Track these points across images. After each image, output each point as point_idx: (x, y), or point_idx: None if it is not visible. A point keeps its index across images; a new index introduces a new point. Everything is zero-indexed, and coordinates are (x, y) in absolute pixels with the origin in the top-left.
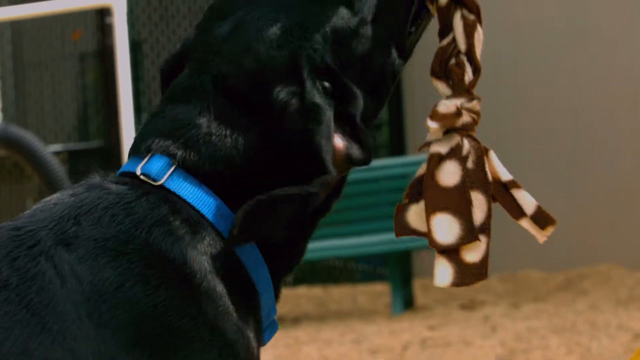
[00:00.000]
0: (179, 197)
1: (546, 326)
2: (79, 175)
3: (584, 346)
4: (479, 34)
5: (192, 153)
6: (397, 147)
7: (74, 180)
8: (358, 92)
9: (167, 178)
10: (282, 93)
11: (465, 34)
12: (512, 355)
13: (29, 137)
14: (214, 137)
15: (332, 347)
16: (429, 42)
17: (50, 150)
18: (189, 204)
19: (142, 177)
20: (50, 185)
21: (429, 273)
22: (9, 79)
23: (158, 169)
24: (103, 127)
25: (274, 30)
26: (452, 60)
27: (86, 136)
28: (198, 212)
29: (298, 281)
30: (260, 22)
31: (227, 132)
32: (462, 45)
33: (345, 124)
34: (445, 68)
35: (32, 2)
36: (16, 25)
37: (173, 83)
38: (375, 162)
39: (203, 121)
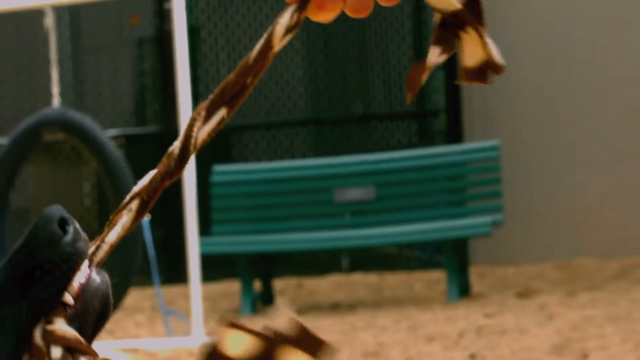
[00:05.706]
0: None
1: (602, 315)
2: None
3: (639, 335)
4: None
5: None
6: (454, 134)
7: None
8: None
9: None
10: None
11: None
12: (567, 343)
13: (87, 121)
14: None
15: (387, 333)
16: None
17: (107, 135)
18: None
19: None
20: (108, 169)
21: (485, 260)
22: (67, 63)
23: None
24: (160, 113)
25: None
26: None
27: (143, 121)
28: None
29: (354, 268)
30: None
31: None
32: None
33: None
34: None
35: None
36: (74, 10)
37: None
38: (433, 150)
39: None
